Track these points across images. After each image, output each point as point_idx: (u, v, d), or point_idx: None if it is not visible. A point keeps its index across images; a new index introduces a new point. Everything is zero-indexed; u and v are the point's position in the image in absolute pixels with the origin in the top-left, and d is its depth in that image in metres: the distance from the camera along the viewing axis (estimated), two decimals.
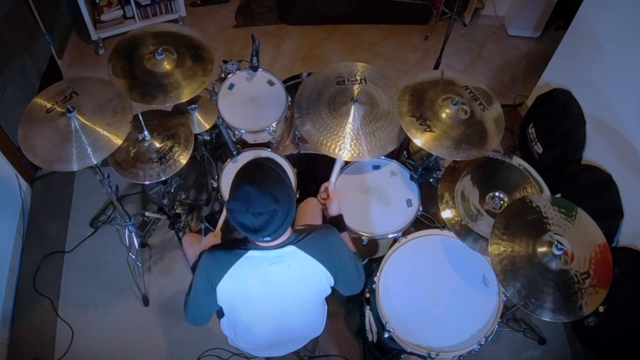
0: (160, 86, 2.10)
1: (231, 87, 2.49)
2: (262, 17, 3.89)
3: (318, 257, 1.44)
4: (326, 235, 1.50)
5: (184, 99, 2.10)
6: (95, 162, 1.82)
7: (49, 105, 1.87)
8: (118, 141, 1.85)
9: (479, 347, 1.84)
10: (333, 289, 1.58)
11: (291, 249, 1.41)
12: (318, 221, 1.96)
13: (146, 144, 2.11)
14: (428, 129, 1.96)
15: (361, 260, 1.69)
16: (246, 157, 2.34)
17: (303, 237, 1.44)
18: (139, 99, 2.07)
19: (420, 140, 1.94)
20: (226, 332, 1.77)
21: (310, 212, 1.97)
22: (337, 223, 1.76)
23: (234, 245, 1.44)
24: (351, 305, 2.47)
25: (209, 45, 2.25)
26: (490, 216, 2.03)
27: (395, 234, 2.13)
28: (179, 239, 2.63)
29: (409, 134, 1.96)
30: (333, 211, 1.79)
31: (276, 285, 1.45)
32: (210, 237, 1.79)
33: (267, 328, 1.60)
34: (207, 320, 1.57)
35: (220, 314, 1.71)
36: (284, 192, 1.31)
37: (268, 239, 1.35)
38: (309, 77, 2.35)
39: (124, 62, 2.15)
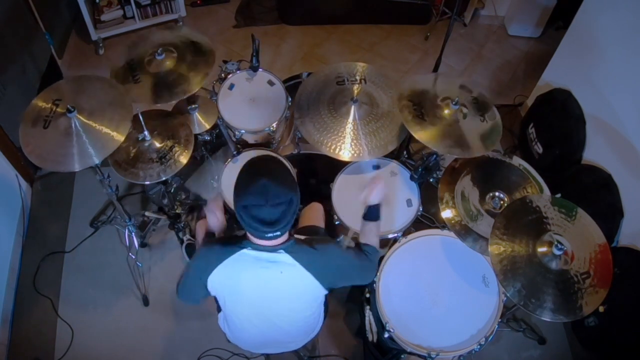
0: (167, 83, 2.11)
1: (231, 87, 2.49)
2: (262, 17, 3.89)
3: (312, 271, 1.43)
4: (324, 251, 1.48)
5: (194, 89, 2.11)
6: (96, 162, 1.82)
7: (48, 107, 1.87)
8: (120, 138, 1.85)
9: (479, 347, 1.84)
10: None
11: (286, 257, 1.40)
12: (321, 224, 1.96)
13: (146, 144, 2.11)
14: (420, 117, 1.97)
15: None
16: (246, 157, 2.34)
17: (300, 248, 1.43)
18: (152, 100, 2.08)
19: (420, 134, 1.95)
20: (223, 328, 1.78)
21: (313, 216, 1.97)
22: (372, 210, 1.71)
23: (230, 241, 1.45)
24: (351, 305, 2.47)
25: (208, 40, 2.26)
26: (490, 216, 2.03)
27: (395, 234, 2.12)
28: (179, 239, 2.63)
29: (407, 126, 1.96)
30: (374, 199, 1.71)
31: (268, 288, 1.46)
32: (215, 220, 1.76)
33: (255, 327, 1.61)
34: (198, 301, 1.59)
35: (218, 308, 1.73)
36: (294, 182, 1.35)
37: (278, 233, 1.34)
38: (309, 77, 2.35)
39: (127, 73, 2.15)
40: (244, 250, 1.41)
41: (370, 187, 1.71)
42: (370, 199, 1.70)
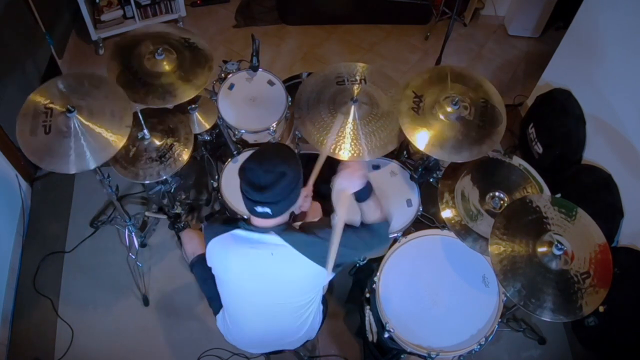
0: (163, 86, 2.11)
1: (231, 87, 2.49)
2: (262, 17, 3.89)
3: (307, 252, 1.42)
4: (317, 233, 1.45)
5: (188, 97, 2.10)
6: (93, 166, 1.81)
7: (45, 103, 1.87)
8: (118, 145, 1.84)
9: (479, 347, 1.84)
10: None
11: (276, 238, 1.42)
12: None
13: (146, 142, 2.11)
14: (416, 109, 1.99)
15: (361, 262, 1.66)
16: (246, 157, 2.34)
17: (291, 232, 1.44)
18: (144, 100, 2.07)
19: (416, 137, 1.95)
20: (221, 328, 1.78)
21: (311, 215, 1.97)
22: (359, 193, 1.50)
23: (229, 221, 1.52)
24: (351, 305, 2.47)
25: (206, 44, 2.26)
26: (490, 216, 2.03)
27: (395, 234, 2.13)
28: (179, 239, 2.63)
29: (401, 124, 1.97)
30: (354, 185, 1.49)
31: (259, 270, 1.47)
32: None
33: (255, 325, 1.62)
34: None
35: (216, 309, 1.76)
36: (296, 165, 1.39)
37: (267, 209, 1.36)
38: (309, 77, 2.34)
39: (124, 68, 2.14)
40: (236, 230, 1.47)
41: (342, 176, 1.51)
42: (344, 187, 1.50)
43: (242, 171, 1.36)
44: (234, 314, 1.66)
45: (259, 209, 1.37)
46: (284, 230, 1.43)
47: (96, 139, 1.84)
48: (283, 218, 1.45)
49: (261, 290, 1.52)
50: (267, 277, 1.48)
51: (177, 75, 2.14)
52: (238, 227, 1.47)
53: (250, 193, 1.35)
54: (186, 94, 2.10)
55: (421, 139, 1.96)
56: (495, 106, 2.05)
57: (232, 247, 1.48)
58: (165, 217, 2.62)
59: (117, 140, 1.85)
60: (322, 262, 1.43)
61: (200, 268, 1.81)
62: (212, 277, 1.64)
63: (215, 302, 1.79)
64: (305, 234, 1.46)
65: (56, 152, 1.80)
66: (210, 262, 1.58)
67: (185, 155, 2.10)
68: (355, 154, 2.12)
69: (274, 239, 1.43)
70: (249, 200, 1.37)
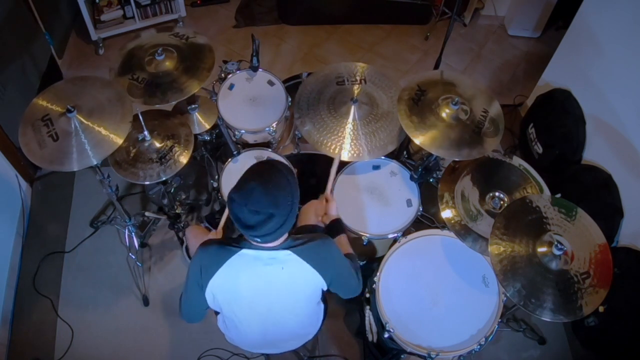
0: (168, 84, 2.11)
1: (231, 87, 2.49)
2: (262, 17, 3.89)
3: (313, 263, 1.44)
4: (323, 244, 1.49)
5: (193, 91, 2.11)
6: (95, 163, 1.82)
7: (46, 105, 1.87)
8: (118, 140, 1.84)
9: (479, 347, 1.84)
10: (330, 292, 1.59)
11: (286, 253, 1.41)
12: (320, 223, 1.97)
13: (146, 144, 2.11)
14: (416, 100, 2.00)
15: (361, 262, 1.69)
16: (246, 157, 2.34)
17: (299, 244, 1.44)
18: (164, 100, 2.09)
19: (417, 137, 1.95)
20: (222, 328, 1.78)
21: (312, 213, 1.98)
22: (336, 226, 1.78)
23: (228, 242, 1.45)
24: (351, 305, 2.47)
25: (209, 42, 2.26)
26: (490, 216, 2.03)
27: (395, 234, 2.13)
28: (179, 239, 2.63)
29: (402, 124, 1.96)
30: (332, 212, 1.80)
31: (266, 286, 1.45)
32: (211, 236, 1.80)
33: (254, 328, 1.61)
34: (201, 317, 1.58)
35: (215, 311, 1.72)
36: (286, 199, 1.31)
37: (258, 240, 1.35)
38: (309, 77, 2.34)
39: (132, 79, 2.14)
40: (244, 250, 1.41)
41: (328, 204, 1.83)
42: (332, 214, 1.81)
43: (229, 201, 1.31)
44: (236, 325, 1.63)
45: (257, 239, 1.35)
46: (292, 244, 1.43)
47: (97, 135, 1.84)
48: (286, 235, 1.43)
49: (269, 304, 1.51)
50: (277, 292, 1.48)
51: (183, 67, 2.15)
52: (243, 247, 1.41)
53: (238, 226, 1.31)
54: (197, 83, 2.12)
55: (411, 126, 1.97)
56: (494, 119, 2.06)
57: (242, 269, 1.42)
58: (165, 217, 2.62)
59: (117, 136, 1.85)
60: (322, 270, 1.46)
61: None
62: None
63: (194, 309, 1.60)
64: (310, 241, 1.46)
65: (66, 152, 1.81)
66: (213, 296, 1.47)
67: (185, 157, 2.10)
68: (355, 154, 2.12)
69: (284, 253, 1.41)
70: (241, 229, 1.33)
